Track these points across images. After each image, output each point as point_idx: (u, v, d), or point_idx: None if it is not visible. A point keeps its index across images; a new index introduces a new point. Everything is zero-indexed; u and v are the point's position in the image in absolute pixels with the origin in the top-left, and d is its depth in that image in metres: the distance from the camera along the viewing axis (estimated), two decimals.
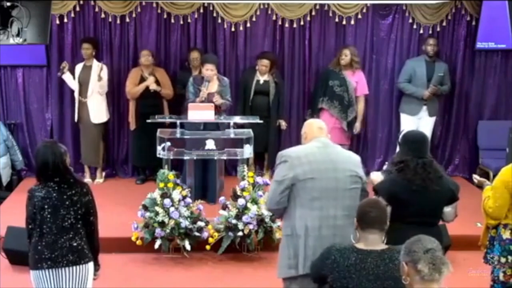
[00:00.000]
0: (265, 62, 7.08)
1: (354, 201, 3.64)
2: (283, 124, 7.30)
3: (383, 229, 3.15)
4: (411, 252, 2.62)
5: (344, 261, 3.06)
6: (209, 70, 6.38)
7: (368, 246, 3.09)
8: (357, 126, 7.42)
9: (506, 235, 4.10)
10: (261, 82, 7.16)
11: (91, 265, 3.75)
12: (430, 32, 7.59)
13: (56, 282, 3.64)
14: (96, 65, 7.13)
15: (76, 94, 7.18)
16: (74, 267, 3.65)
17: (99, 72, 7.04)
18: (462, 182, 7.52)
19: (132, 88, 7.08)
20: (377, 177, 4.07)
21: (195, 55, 7.14)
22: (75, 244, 3.65)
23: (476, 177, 4.50)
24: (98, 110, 7.21)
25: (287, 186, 3.62)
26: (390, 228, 3.47)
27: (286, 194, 3.64)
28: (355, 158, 3.84)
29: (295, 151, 3.75)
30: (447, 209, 3.89)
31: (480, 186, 4.38)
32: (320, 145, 3.73)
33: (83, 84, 7.13)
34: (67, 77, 7.13)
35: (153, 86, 7.03)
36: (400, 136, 4.01)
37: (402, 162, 3.82)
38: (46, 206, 3.61)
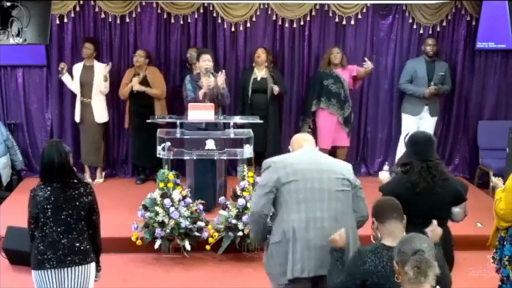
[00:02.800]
0: (260, 50, 7.14)
1: (343, 204, 3.59)
2: (275, 89, 7.09)
3: (403, 219, 3.13)
4: (400, 253, 2.62)
5: (380, 262, 2.97)
6: (206, 61, 6.28)
7: (394, 241, 2.96)
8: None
9: None
10: (259, 79, 7.18)
11: (93, 265, 3.75)
12: (430, 32, 7.59)
13: (58, 282, 3.63)
14: (99, 66, 7.15)
15: (78, 95, 7.18)
16: (77, 267, 3.65)
17: (106, 73, 7.06)
18: None
19: (123, 88, 7.13)
20: (384, 177, 4.07)
21: (194, 51, 7.14)
22: (78, 244, 3.65)
23: (493, 180, 4.48)
24: (101, 110, 7.24)
25: (271, 189, 3.60)
26: None
27: (271, 198, 3.61)
28: (344, 164, 3.82)
29: (278, 157, 3.79)
30: (456, 209, 3.89)
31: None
32: (304, 151, 3.75)
33: (85, 85, 7.13)
34: (65, 78, 7.13)
35: (136, 87, 7.03)
36: (407, 137, 4.00)
37: (407, 164, 3.82)
38: (49, 206, 3.61)
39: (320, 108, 7.32)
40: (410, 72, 7.34)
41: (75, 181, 3.68)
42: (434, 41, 7.34)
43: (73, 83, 7.17)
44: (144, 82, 7.08)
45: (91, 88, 7.14)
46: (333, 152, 7.54)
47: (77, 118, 7.25)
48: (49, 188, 3.63)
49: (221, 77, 6.27)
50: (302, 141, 3.86)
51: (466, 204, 3.93)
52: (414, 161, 3.78)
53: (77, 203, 3.64)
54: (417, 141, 3.89)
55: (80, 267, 3.65)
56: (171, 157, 6.06)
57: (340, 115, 7.30)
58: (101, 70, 7.13)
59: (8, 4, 5.92)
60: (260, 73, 7.20)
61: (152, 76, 7.14)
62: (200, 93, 6.24)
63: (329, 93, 7.25)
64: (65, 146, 3.73)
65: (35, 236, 3.66)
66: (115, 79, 7.35)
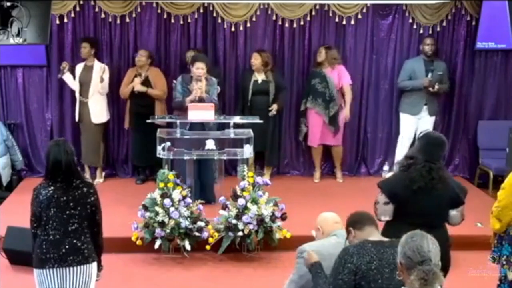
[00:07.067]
0: (253, 56, 7.13)
1: None
2: (274, 108, 7.18)
3: (377, 226, 3.23)
4: (406, 257, 2.57)
5: (368, 255, 3.02)
6: (199, 68, 6.26)
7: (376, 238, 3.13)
8: (347, 115, 7.38)
9: None
10: (259, 81, 7.17)
11: (95, 265, 3.75)
12: (430, 32, 7.59)
13: (60, 281, 3.63)
14: (98, 66, 7.15)
15: (77, 94, 7.18)
16: (79, 267, 3.65)
17: (101, 74, 7.05)
18: (462, 182, 7.50)
19: (124, 88, 7.14)
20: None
21: (190, 53, 7.12)
22: (80, 243, 3.65)
23: None
24: (98, 110, 7.21)
25: (308, 281, 3.51)
26: (392, 227, 3.47)
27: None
28: None
29: (316, 246, 3.55)
30: (453, 212, 3.90)
31: None
32: (340, 240, 3.51)
33: (84, 84, 7.13)
34: (67, 77, 7.13)
35: (137, 88, 7.04)
36: (422, 133, 4.04)
37: (412, 158, 3.83)
38: (52, 205, 3.60)
39: (308, 107, 7.38)
40: (409, 71, 7.35)
41: (79, 180, 3.69)
42: (433, 40, 7.34)
43: (74, 83, 7.18)
44: (146, 82, 7.08)
45: (88, 88, 7.13)
46: (327, 151, 7.58)
47: (76, 118, 7.26)
48: (52, 187, 3.63)
49: (203, 86, 6.26)
50: (331, 223, 3.67)
51: (463, 208, 3.93)
52: (419, 158, 3.80)
53: (81, 204, 3.64)
54: (428, 141, 3.92)
55: (82, 266, 3.65)
56: (171, 157, 6.06)
57: (325, 115, 7.30)
58: (99, 70, 7.14)
59: (8, 4, 5.92)
60: (260, 76, 7.20)
61: (154, 77, 7.14)
62: (188, 99, 6.26)
63: (315, 92, 7.29)
64: (70, 146, 3.75)
65: (38, 234, 3.66)
66: (115, 79, 7.35)
